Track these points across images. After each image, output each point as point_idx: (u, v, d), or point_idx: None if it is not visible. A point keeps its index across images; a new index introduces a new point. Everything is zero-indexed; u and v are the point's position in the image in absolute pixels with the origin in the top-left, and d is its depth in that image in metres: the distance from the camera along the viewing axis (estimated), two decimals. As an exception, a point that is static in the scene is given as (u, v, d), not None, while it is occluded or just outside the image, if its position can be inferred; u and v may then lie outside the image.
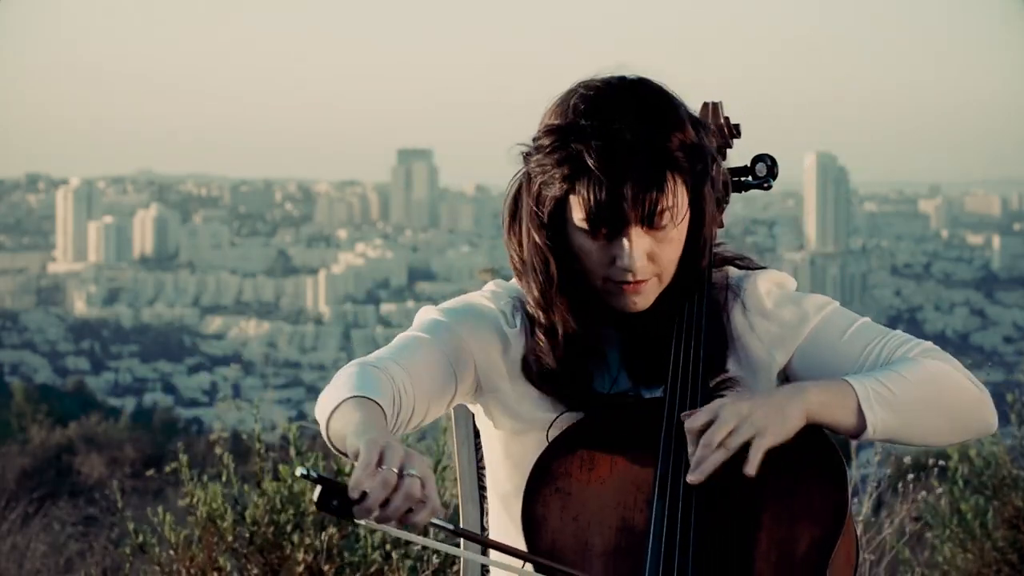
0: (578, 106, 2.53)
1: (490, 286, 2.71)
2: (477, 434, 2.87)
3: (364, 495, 2.25)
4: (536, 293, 2.60)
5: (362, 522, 2.30)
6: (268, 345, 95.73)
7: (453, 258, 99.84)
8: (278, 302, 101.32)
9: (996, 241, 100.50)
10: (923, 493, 6.47)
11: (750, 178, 2.77)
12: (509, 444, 2.67)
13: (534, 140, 2.58)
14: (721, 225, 2.70)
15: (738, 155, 2.80)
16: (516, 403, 2.64)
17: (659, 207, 2.49)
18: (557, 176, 2.52)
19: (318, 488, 2.28)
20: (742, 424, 2.44)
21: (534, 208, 2.57)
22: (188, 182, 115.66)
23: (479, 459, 2.93)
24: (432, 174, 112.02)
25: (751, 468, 2.43)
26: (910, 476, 6.44)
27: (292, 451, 5.65)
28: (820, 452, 2.49)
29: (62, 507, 10.37)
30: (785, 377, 2.66)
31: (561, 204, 2.54)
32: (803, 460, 2.49)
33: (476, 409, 2.74)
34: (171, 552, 5.55)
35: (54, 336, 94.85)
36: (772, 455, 2.47)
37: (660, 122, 2.50)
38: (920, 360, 2.58)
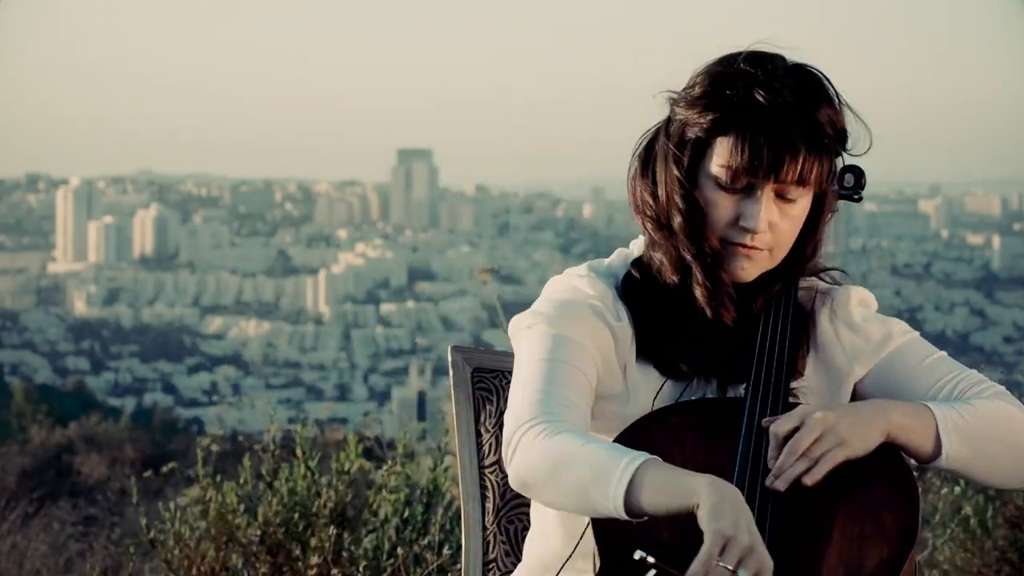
0: (739, 61, 2.54)
1: (581, 272, 2.67)
2: (479, 434, 2.87)
3: None
4: (679, 228, 2.56)
5: None
6: (268, 345, 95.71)
7: (453, 258, 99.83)
8: (278, 302, 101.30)
9: (996, 241, 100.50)
10: (923, 493, 6.48)
11: (837, 188, 2.73)
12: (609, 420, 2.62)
13: (686, 87, 2.58)
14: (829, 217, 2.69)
15: None
16: (615, 399, 2.61)
17: (801, 175, 2.50)
18: (708, 118, 2.52)
19: (652, 573, 2.26)
20: (827, 434, 2.43)
21: (675, 148, 2.56)
22: (188, 182, 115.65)
23: (480, 458, 2.92)
24: (432, 174, 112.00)
25: (813, 478, 2.42)
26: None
27: (299, 451, 5.65)
28: (895, 473, 2.49)
29: (62, 507, 10.37)
30: (855, 392, 2.67)
31: (700, 149, 2.54)
32: (878, 479, 2.48)
33: None
34: (177, 552, 5.55)
35: (54, 336, 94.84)
36: (848, 470, 2.46)
37: (816, 96, 2.52)
38: (994, 400, 2.59)
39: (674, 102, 2.59)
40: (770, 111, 2.49)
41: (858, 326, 2.67)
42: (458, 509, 5.38)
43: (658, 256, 2.61)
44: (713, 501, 2.28)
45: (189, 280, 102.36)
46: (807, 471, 2.42)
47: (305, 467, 5.58)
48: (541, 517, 2.71)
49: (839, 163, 2.63)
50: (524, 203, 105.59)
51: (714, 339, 2.60)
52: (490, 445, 2.93)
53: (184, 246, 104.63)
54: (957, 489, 6.37)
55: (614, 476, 2.33)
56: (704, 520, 2.27)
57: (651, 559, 2.24)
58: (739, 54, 2.56)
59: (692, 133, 2.55)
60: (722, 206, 2.53)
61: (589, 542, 2.48)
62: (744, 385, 2.58)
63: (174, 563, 5.54)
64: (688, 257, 2.57)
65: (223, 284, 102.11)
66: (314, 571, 5.50)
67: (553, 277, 2.69)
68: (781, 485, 2.42)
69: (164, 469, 6.42)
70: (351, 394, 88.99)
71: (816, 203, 2.59)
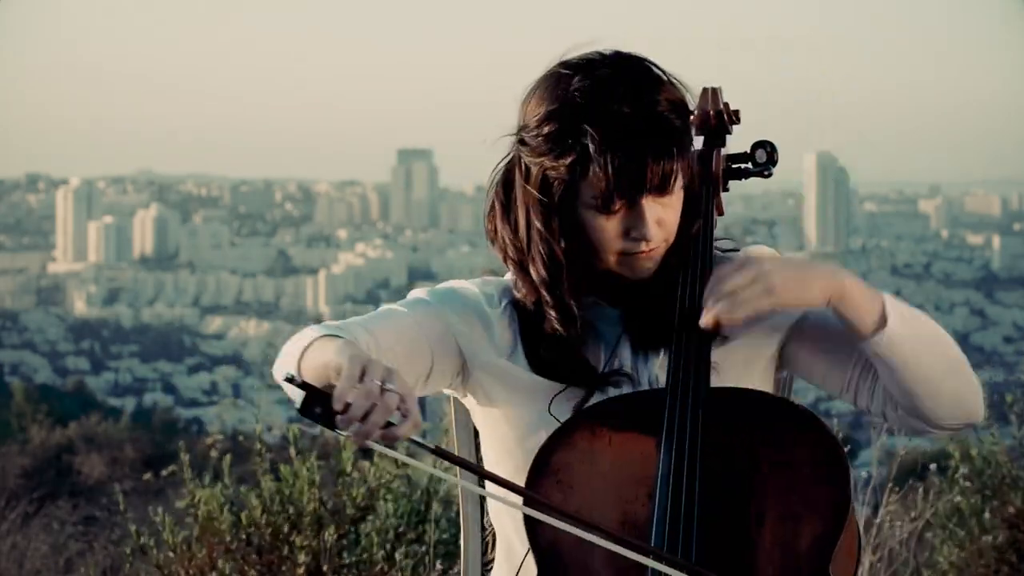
0: (570, 86, 2.54)
1: (477, 279, 2.73)
2: (477, 434, 2.87)
3: (347, 406, 2.27)
4: (543, 273, 2.60)
5: (344, 434, 2.30)
6: (268, 345, 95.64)
7: (453, 258, 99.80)
8: (278, 302, 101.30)
9: (996, 241, 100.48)
10: (922, 493, 6.47)
11: (750, 165, 2.73)
12: (510, 418, 2.66)
13: (528, 129, 2.59)
14: (721, 212, 2.70)
15: (740, 146, 2.78)
16: (513, 376, 2.64)
17: (671, 172, 2.52)
18: (566, 160, 2.53)
19: (302, 394, 2.31)
20: (759, 279, 2.46)
21: (538, 196, 2.58)
22: (188, 182, 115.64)
23: (479, 459, 2.92)
24: (432, 174, 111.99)
25: (729, 317, 2.46)
26: (910, 476, 6.45)
27: (292, 451, 5.65)
28: (822, 447, 2.49)
29: (62, 507, 10.37)
30: (782, 356, 2.67)
31: (569, 187, 2.55)
32: (805, 455, 2.49)
33: (468, 401, 2.74)
34: (170, 553, 5.55)
35: (54, 336, 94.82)
36: (773, 447, 2.47)
37: (650, 87, 2.53)
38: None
39: (521, 145, 2.60)
40: (622, 132, 2.50)
41: None
42: (458, 509, 5.38)
43: (520, 295, 2.65)
44: (345, 349, 2.37)
45: (189, 280, 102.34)
46: (727, 311, 2.46)
47: (293, 468, 5.57)
48: (496, 519, 2.77)
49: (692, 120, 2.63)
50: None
51: (633, 312, 2.63)
52: (490, 445, 2.94)
53: (184, 246, 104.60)
54: (956, 489, 6.38)
55: (303, 342, 2.49)
56: (334, 359, 2.36)
57: (300, 379, 2.33)
58: (559, 75, 2.57)
59: (554, 177, 2.56)
60: (608, 228, 2.55)
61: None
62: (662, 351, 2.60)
63: (166, 567, 5.54)
64: (547, 309, 2.61)
65: (223, 284, 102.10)
66: (302, 571, 5.49)
67: None
68: (704, 321, 2.47)
69: (164, 472, 6.42)
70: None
71: (689, 178, 2.60)
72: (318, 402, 2.30)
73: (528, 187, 2.59)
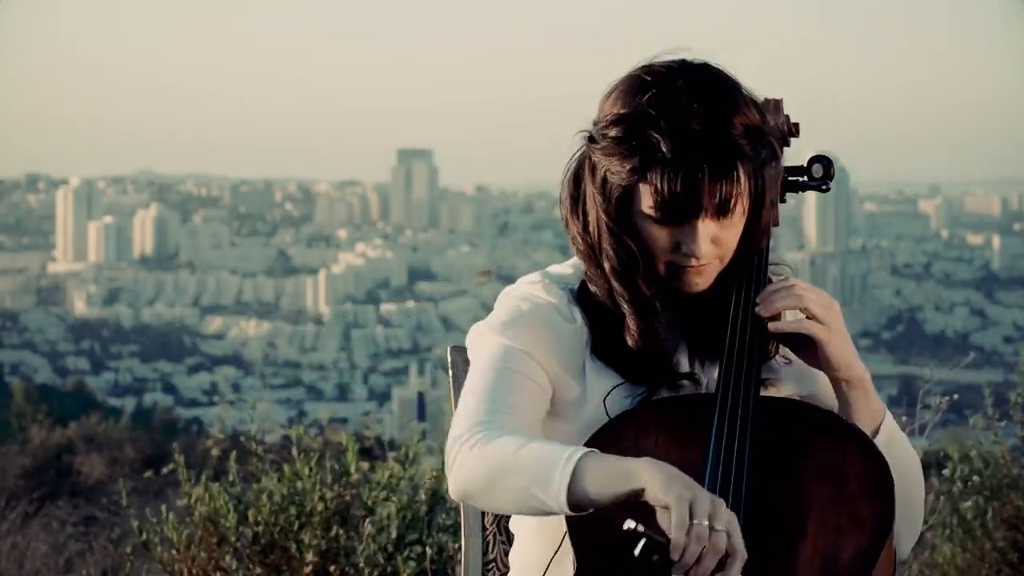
0: (645, 94, 2.53)
1: (534, 279, 2.68)
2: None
3: (679, 553, 2.25)
4: (614, 268, 2.59)
5: None
6: (268, 345, 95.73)
7: (453, 258, 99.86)
8: (278, 302, 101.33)
9: (996, 241, 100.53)
10: (924, 493, 6.47)
11: (806, 178, 2.73)
12: (553, 427, 2.62)
13: (598, 126, 2.58)
14: (776, 223, 2.69)
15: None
16: (574, 404, 2.61)
17: (731, 196, 2.50)
18: (627, 165, 2.52)
19: (642, 541, 2.27)
20: (823, 304, 2.55)
21: (600, 196, 2.57)
22: (188, 182, 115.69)
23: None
24: (432, 174, 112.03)
25: (767, 310, 2.54)
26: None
27: (294, 451, 5.65)
28: (869, 462, 2.49)
29: (62, 507, 10.36)
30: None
31: (628, 192, 2.55)
32: (853, 469, 2.48)
33: None
34: (174, 552, 5.55)
35: (54, 336, 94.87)
36: (822, 461, 2.47)
37: (726, 108, 2.51)
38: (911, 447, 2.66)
39: (590, 142, 2.60)
40: (686, 147, 2.48)
41: None
42: (458, 509, 5.38)
43: (593, 288, 2.63)
44: (659, 477, 2.29)
45: (189, 280, 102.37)
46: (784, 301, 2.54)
47: (294, 468, 5.57)
48: (519, 526, 2.73)
49: (778, 149, 2.61)
50: (524, 203, 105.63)
51: (692, 321, 2.62)
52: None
53: (184, 246, 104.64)
54: (956, 489, 6.37)
55: (556, 472, 2.34)
56: (658, 496, 2.28)
57: (641, 528, 2.25)
58: (639, 78, 2.56)
59: (613, 181, 2.55)
60: (660, 238, 2.55)
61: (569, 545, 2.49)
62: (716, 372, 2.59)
63: (169, 565, 5.54)
64: (621, 301, 2.59)
65: (223, 284, 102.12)
66: (308, 572, 5.49)
67: (507, 287, 2.71)
68: (763, 311, 2.54)
69: (164, 470, 6.42)
70: (351, 394, 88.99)
71: (758, 197, 2.57)
72: (656, 551, 2.26)
73: (591, 184, 2.59)
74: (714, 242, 2.54)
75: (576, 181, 2.63)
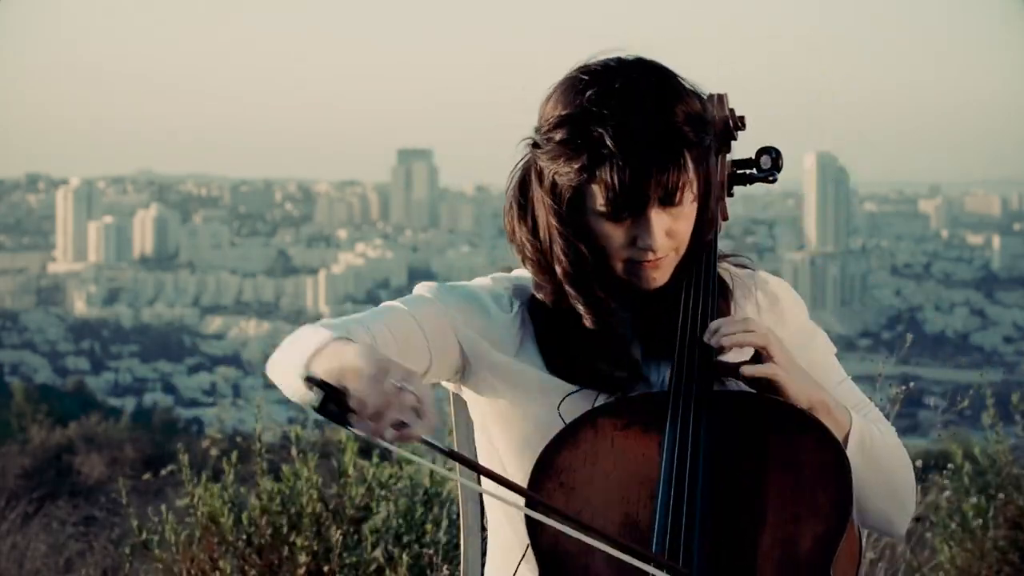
0: (585, 93, 2.54)
1: (488, 277, 2.73)
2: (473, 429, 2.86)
3: (363, 405, 2.27)
4: (567, 272, 2.59)
5: (358, 432, 2.30)
6: (268, 345, 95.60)
7: (453, 258, 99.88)
8: (278, 302, 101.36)
9: (996, 241, 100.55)
10: (924, 493, 6.47)
11: (755, 171, 2.74)
12: (516, 415, 2.64)
13: (541, 131, 2.59)
14: (725, 217, 2.70)
15: (742, 149, 2.78)
16: (523, 375, 2.63)
17: (680, 184, 2.51)
18: (575, 165, 2.53)
19: (319, 393, 2.31)
20: (772, 343, 2.52)
21: (550, 200, 2.58)
22: (188, 182, 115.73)
23: (474, 454, 2.91)
24: (432, 174, 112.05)
25: (718, 342, 2.51)
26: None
27: (294, 451, 5.65)
28: (824, 449, 2.49)
29: (62, 507, 10.37)
30: None
31: (578, 192, 2.55)
32: (807, 457, 2.49)
33: (467, 395, 2.72)
34: (173, 551, 5.54)
35: (54, 336, 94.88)
36: (778, 450, 2.48)
37: (665, 98, 2.52)
38: (900, 445, 2.66)
39: (535, 148, 2.60)
40: (631, 141, 2.49)
41: (788, 320, 2.70)
42: (458, 509, 5.38)
43: (541, 295, 2.64)
44: (364, 351, 2.35)
45: (189, 280, 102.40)
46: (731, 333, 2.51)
47: (292, 468, 5.56)
48: (491, 512, 2.77)
49: (716, 137, 2.63)
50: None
51: (645, 318, 2.63)
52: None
53: (184, 246, 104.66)
54: (958, 489, 6.37)
55: (311, 346, 2.42)
56: (356, 362, 2.33)
57: (317, 377, 2.33)
58: (578, 79, 2.57)
59: (563, 183, 2.56)
60: (615, 235, 2.55)
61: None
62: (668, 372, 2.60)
63: (168, 566, 5.54)
64: (576, 304, 2.60)
65: (223, 284, 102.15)
66: (303, 572, 5.49)
67: None
68: (710, 338, 2.52)
69: (164, 471, 6.42)
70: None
71: (704, 185, 2.59)
72: (334, 401, 2.31)
73: (539, 189, 2.60)
74: (668, 235, 2.54)
75: (522, 188, 2.64)
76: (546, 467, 2.52)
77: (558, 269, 2.60)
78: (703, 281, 2.60)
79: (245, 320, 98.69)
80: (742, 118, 2.72)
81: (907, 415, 6.29)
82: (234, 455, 5.67)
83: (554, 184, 2.57)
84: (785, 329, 2.67)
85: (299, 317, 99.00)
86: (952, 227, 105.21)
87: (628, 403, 2.57)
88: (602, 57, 2.60)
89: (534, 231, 2.62)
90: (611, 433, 2.53)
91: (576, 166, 2.53)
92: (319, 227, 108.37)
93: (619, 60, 2.58)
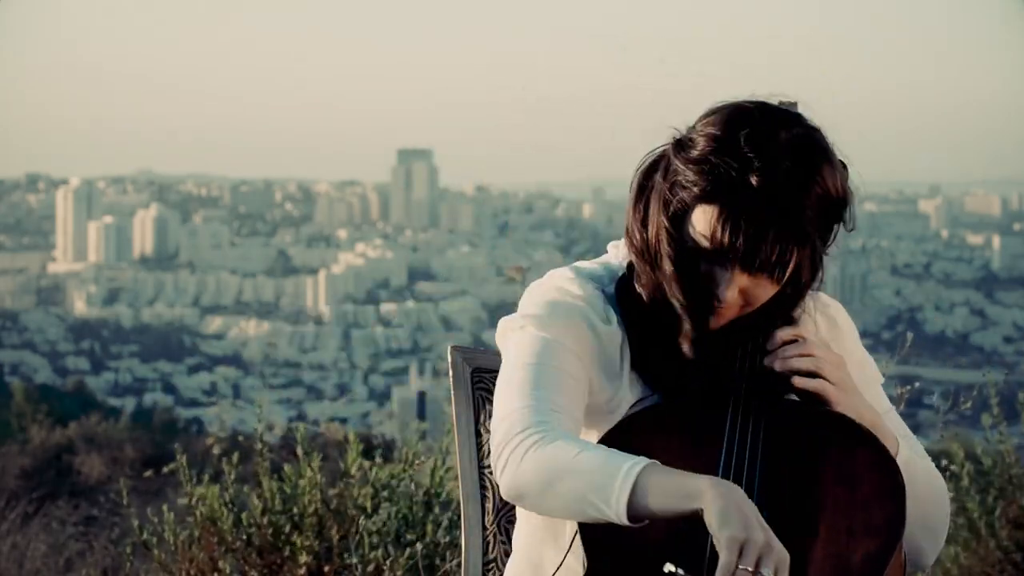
0: (743, 127, 2.49)
1: (567, 275, 2.65)
2: (479, 434, 2.85)
3: None
4: (672, 273, 2.53)
5: None
6: (268, 345, 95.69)
7: (453, 258, 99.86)
8: (278, 302, 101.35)
9: (996, 241, 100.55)
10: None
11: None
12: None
13: (691, 133, 2.54)
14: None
15: None
16: (600, 394, 2.60)
17: (778, 264, 2.48)
18: (699, 183, 2.49)
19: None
20: (822, 362, 2.52)
21: (668, 193, 2.53)
22: (188, 182, 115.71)
23: (480, 458, 2.91)
24: (432, 174, 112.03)
25: (780, 366, 2.52)
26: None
27: (300, 450, 5.64)
28: (882, 467, 2.49)
29: (62, 507, 10.36)
30: None
31: (687, 208, 2.51)
32: (865, 473, 2.49)
33: None
34: (173, 551, 5.54)
35: (54, 336, 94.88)
36: (835, 465, 2.47)
37: (812, 174, 2.48)
38: (940, 480, 2.67)
39: (676, 146, 2.56)
40: (755, 199, 2.45)
41: (851, 348, 2.72)
42: (458, 510, 5.37)
43: (639, 287, 2.60)
44: (719, 505, 2.29)
45: (189, 280, 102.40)
46: (785, 371, 2.51)
47: (295, 467, 5.56)
48: (527, 514, 2.72)
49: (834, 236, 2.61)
50: (524, 203, 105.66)
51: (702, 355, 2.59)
52: (490, 445, 2.92)
53: (184, 246, 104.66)
54: (962, 488, 6.36)
55: (616, 483, 2.33)
56: (714, 526, 2.28)
57: (681, 571, 2.27)
58: (744, 108, 2.51)
59: (681, 192, 2.52)
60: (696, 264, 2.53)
61: (577, 543, 2.49)
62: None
63: (168, 566, 5.53)
64: (675, 302, 2.55)
65: (223, 284, 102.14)
66: (303, 572, 5.48)
67: (535, 281, 2.66)
68: (776, 365, 2.52)
69: (165, 470, 6.41)
70: (351, 394, 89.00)
71: (811, 266, 2.55)
72: None
73: (662, 183, 2.54)
74: (743, 293, 2.51)
75: (647, 174, 2.59)
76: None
77: (665, 266, 2.54)
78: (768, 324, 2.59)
79: (245, 320, 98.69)
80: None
81: (908, 415, 6.27)
82: (235, 455, 5.66)
83: (672, 186, 2.52)
84: (838, 349, 2.66)
85: (299, 317, 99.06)
86: (952, 227, 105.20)
87: (690, 404, 2.55)
88: (790, 99, 2.55)
89: (644, 221, 2.57)
90: (669, 433, 2.52)
91: (699, 184, 2.48)
92: (319, 227, 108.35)
93: (796, 117, 2.52)
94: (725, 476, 2.46)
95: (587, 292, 2.61)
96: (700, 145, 2.50)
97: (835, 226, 2.56)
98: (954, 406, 5.94)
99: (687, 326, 2.54)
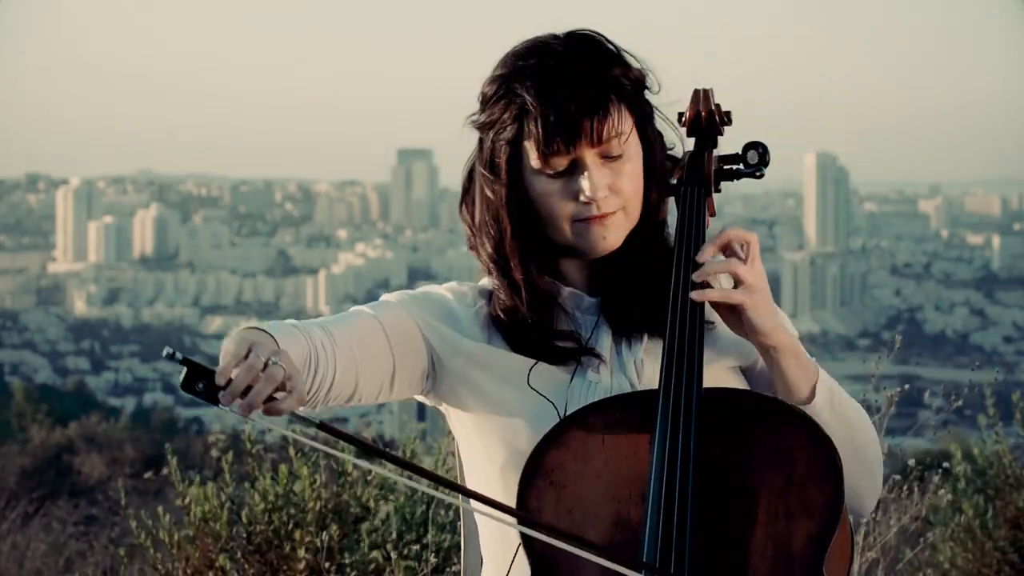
0: (517, 51, 2.57)
1: (454, 282, 2.72)
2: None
3: (229, 381, 2.28)
4: (490, 250, 2.59)
5: (227, 409, 2.30)
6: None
7: (453, 258, 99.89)
8: (278, 302, 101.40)
9: (996, 241, 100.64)
10: (923, 492, 6.47)
11: (741, 166, 2.70)
12: (485, 424, 2.63)
13: (479, 99, 2.59)
14: (713, 213, 2.67)
15: (732, 146, 2.76)
16: (491, 357, 2.62)
17: (607, 128, 2.51)
18: (507, 120, 2.54)
19: (184, 370, 2.31)
20: (747, 272, 2.49)
21: (487, 164, 2.57)
22: (188, 182, 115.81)
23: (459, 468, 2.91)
24: (432, 174, 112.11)
25: (717, 297, 2.49)
26: (911, 475, 6.45)
27: (291, 451, 5.65)
28: (816, 446, 2.48)
29: (62, 507, 10.37)
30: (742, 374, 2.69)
31: (515, 151, 2.55)
32: (799, 454, 2.48)
33: (445, 408, 2.70)
34: (170, 551, 5.54)
35: (54, 336, 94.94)
36: (769, 448, 2.47)
37: (600, 56, 2.54)
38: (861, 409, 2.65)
39: (474, 120, 2.60)
40: (557, 84, 2.50)
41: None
42: (457, 509, 5.37)
43: (492, 284, 2.64)
44: (238, 331, 2.39)
45: (189, 280, 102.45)
46: (702, 285, 2.49)
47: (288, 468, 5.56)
48: (474, 526, 2.77)
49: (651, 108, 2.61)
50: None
51: (608, 296, 2.62)
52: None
53: (184, 246, 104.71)
54: (958, 489, 6.37)
55: (236, 335, 2.42)
56: (227, 341, 2.36)
57: (180, 355, 2.31)
58: (514, 55, 2.58)
59: (501, 138, 2.56)
60: (556, 192, 2.54)
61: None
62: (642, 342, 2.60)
63: (165, 566, 5.54)
64: (499, 293, 2.60)
65: (223, 284, 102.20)
66: (302, 570, 5.49)
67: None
68: (696, 277, 2.50)
69: (165, 471, 6.42)
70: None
71: (647, 152, 2.58)
72: (200, 378, 2.31)
73: (480, 165, 2.59)
74: (611, 190, 2.53)
75: (470, 175, 2.64)
76: (536, 466, 2.51)
77: (482, 254, 2.60)
78: (681, 276, 2.56)
79: (245, 320, 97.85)
80: (728, 113, 2.69)
81: (906, 415, 6.29)
82: (230, 455, 5.67)
83: (492, 153, 2.56)
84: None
85: (299, 317, 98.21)
86: (952, 227, 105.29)
87: (618, 401, 2.55)
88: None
89: (472, 215, 2.62)
90: (601, 432, 2.52)
91: (508, 119, 2.53)
92: (319, 227, 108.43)
93: (568, 32, 2.59)
94: (659, 469, 2.46)
95: (459, 285, 2.69)
96: (487, 91, 2.57)
97: (649, 107, 2.58)
98: (950, 406, 5.95)
99: (509, 303, 2.59)
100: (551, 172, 2.53)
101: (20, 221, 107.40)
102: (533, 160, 2.52)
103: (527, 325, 2.59)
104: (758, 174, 2.70)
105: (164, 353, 2.30)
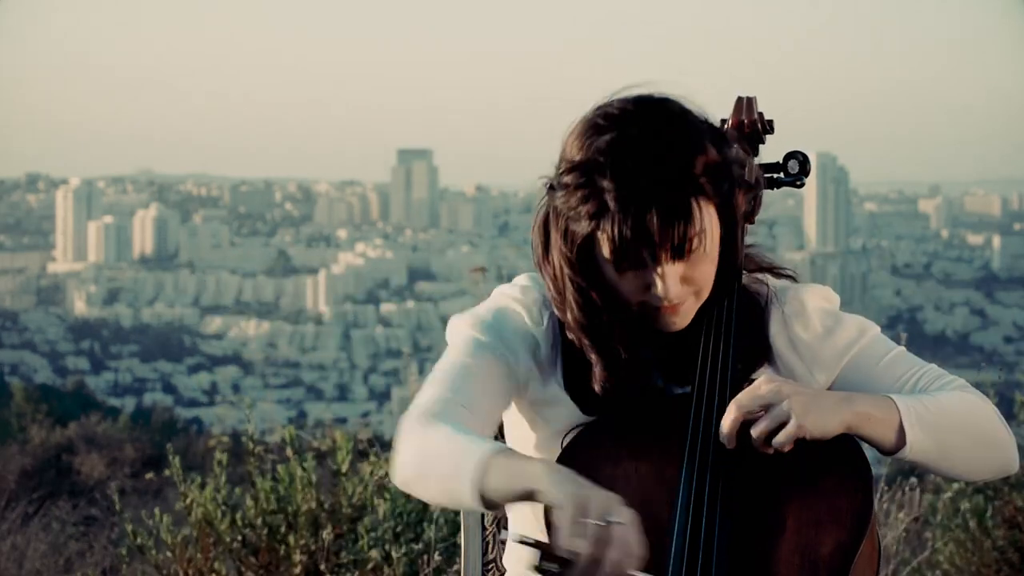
0: (598, 139, 2.47)
1: (522, 280, 2.67)
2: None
3: (576, 555, 2.21)
4: (579, 322, 2.56)
5: None
6: (268, 345, 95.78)
7: (453, 258, 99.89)
8: (278, 302, 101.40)
9: (996, 241, 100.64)
10: (922, 492, 6.47)
11: (782, 175, 2.72)
12: (547, 441, 2.62)
13: (557, 172, 2.54)
14: (752, 221, 2.64)
15: (769, 152, 2.75)
16: (556, 397, 2.61)
17: (688, 237, 2.45)
18: (583, 213, 2.47)
19: (536, 552, 2.25)
20: (779, 402, 2.42)
21: (563, 244, 2.53)
22: (188, 182, 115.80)
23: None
24: (432, 174, 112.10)
25: (779, 443, 2.40)
26: (910, 475, 6.45)
27: (289, 451, 5.65)
28: (846, 456, 2.48)
29: (62, 507, 10.35)
30: None
31: (589, 240, 2.50)
32: (829, 463, 2.47)
33: (507, 418, 2.70)
34: (168, 553, 5.55)
35: (54, 336, 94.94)
36: (800, 456, 2.45)
37: (682, 149, 2.44)
38: (957, 392, 2.58)
39: (551, 190, 2.55)
40: (635, 192, 2.42)
41: (819, 334, 2.65)
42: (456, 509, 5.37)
43: (569, 334, 2.60)
44: (552, 477, 2.27)
45: (189, 280, 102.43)
46: (773, 441, 2.40)
47: (287, 468, 5.56)
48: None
49: (749, 169, 2.55)
50: (524, 203, 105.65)
51: (667, 348, 2.59)
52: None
53: (184, 246, 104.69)
54: (957, 489, 6.37)
55: (470, 464, 2.32)
56: (550, 495, 2.25)
57: (531, 539, 2.24)
58: (593, 122, 2.49)
59: (575, 228, 2.50)
60: (627, 283, 2.51)
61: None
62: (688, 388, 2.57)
63: (164, 567, 5.54)
64: (589, 354, 2.57)
65: (223, 284, 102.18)
66: (299, 571, 5.49)
67: (504, 284, 2.70)
68: (726, 439, 2.43)
69: (166, 472, 6.42)
70: (351, 394, 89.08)
71: (728, 228, 2.52)
72: (552, 558, 2.23)
73: (556, 233, 2.55)
74: (685, 281, 2.49)
75: (545, 227, 2.58)
76: (567, 464, 2.47)
77: (569, 317, 2.56)
78: (727, 307, 2.57)
79: (245, 320, 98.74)
80: (771, 122, 2.68)
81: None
82: (225, 456, 5.67)
83: (567, 229, 2.52)
84: (808, 333, 2.64)
85: (299, 317, 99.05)
86: (952, 227, 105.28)
87: (653, 405, 2.56)
88: (624, 94, 2.52)
89: (552, 274, 2.57)
90: (634, 434, 2.53)
91: (584, 213, 2.47)
92: (319, 227, 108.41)
93: (640, 103, 2.50)
94: (689, 476, 2.46)
95: (525, 301, 2.63)
96: (566, 179, 2.50)
97: (728, 184, 2.49)
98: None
99: (598, 373, 2.55)
100: (621, 271, 2.49)
101: (20, 221, 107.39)
102: (606, 253, 2.48)
103: (606, 387, 2.56)
104: (799, 183, 2.71)
105: (513, 539, 2.27)
